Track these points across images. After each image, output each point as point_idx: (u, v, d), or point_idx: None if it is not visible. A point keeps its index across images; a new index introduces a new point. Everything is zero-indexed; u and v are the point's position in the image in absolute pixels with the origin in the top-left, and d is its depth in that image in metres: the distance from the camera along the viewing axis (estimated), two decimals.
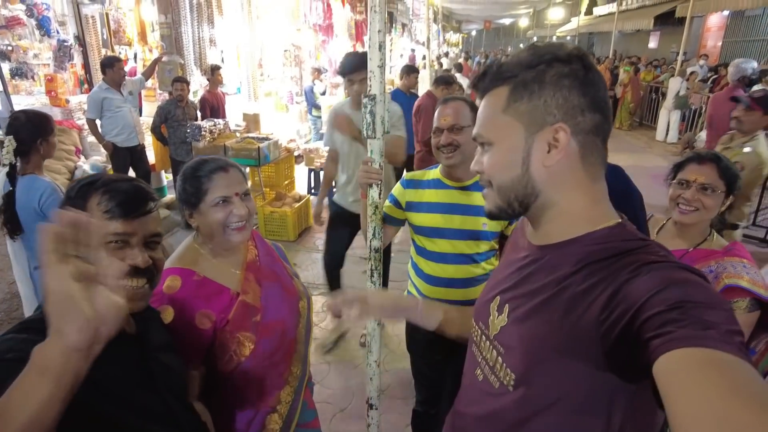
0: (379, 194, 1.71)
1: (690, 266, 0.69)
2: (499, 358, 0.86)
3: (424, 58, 11.61)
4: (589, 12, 23.65)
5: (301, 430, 1.58)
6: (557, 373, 0.75)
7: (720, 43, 15.24)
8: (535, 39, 34.06)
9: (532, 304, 0.81)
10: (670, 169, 1.79)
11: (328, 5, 9.57)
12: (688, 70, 10.21)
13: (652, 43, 18.18)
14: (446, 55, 20.37)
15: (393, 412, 2.72)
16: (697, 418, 0.50)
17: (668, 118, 10.47)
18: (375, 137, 1.66)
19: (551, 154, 0.78)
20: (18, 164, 2.30)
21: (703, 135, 5.19)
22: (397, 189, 1.97)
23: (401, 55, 18.26)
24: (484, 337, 0.94)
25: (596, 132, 0.79)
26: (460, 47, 33.81)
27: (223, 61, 7.04)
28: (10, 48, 5.42)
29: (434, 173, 1.92)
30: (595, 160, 0.80)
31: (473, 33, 46.88)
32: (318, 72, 8.01)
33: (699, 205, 1.63)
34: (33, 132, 2.31)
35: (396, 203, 1.95)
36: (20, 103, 5.35)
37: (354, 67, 2.83)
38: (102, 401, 0.89)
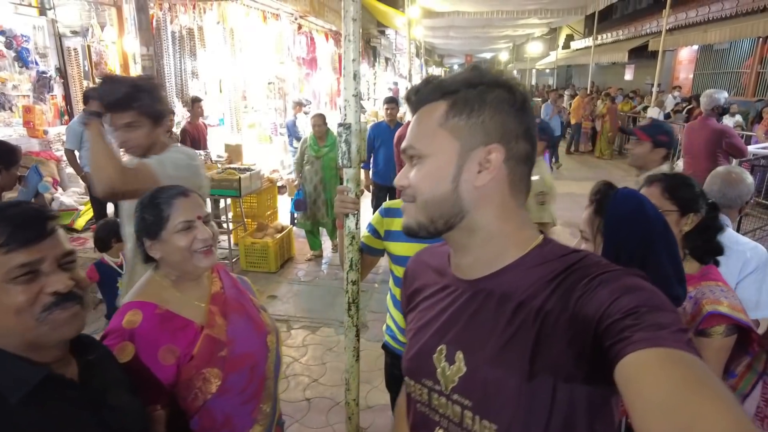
0: (356, 224, 1.68)
1: (633, 270, 0.71)
2: (467, 411, 0.79)
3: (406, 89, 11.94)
4: (566, 46, 24.43)
5: None
6: (542, 406, 0.72)
7: (692, 75, 15.77)
8: (515, 72, 35.08)
9: (495, 343, 0.77)
10: None
11: (312, 39, 9.74)
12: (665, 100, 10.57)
13: (628, 75, 18.77)
14: None
15: None
16: (655, 410, 0.53)
17: None
18: (350, 166, 1.64)
19: (482, 174, 0.77)
20: None
21: (680, 163, 5.29)
22: (375, 218, 1.93)
23: (389, 89, 18.58)
24: (435, 394, 0.85)
25: (525, 161, 0.80)
26: None
27: (206, 93, 7.05)
28: None
29: None
30: (522, 187, 0.81)
31: (455, 67, 48.09)
32: (300, 105, 8.06)
33: None
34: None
35: (374, 233, 1.91)
36: None
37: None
38: None
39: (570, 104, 13.92)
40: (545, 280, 0.75)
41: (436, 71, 34.39)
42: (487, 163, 0.77)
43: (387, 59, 20.57)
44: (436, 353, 0.85)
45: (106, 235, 2.91)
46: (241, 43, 7.24)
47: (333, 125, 4.09)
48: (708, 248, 1.60)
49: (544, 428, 0.73)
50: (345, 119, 1.60)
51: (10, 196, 4.49)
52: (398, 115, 5.61)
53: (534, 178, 3.20)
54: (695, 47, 14.98)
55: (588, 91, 13.90)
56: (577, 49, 22.24)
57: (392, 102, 5.50)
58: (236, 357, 1.34)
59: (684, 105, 11.70)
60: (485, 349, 0.78)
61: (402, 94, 17.33)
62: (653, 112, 10.26)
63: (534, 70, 30.62)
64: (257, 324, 1.47)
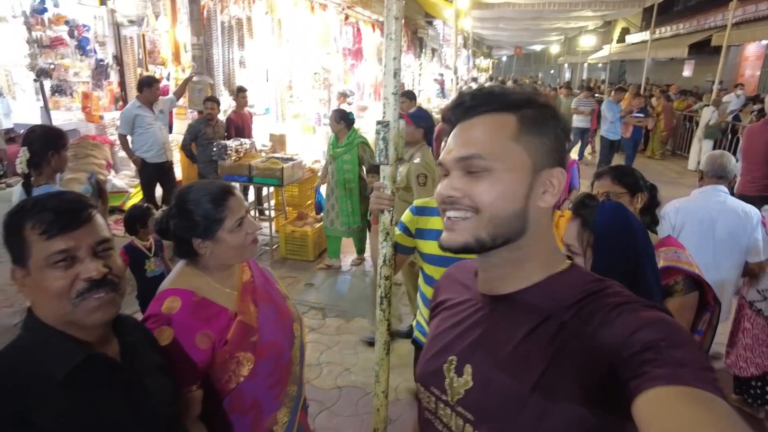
0: (391, 220, 1.68)
1: (653, 303, 0.70)
2: (468, 425, 0.79)
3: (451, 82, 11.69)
4: (621, 40, 23.48)
5: None
6: (541, 425, 0.71)
7: (758, 73, 14.86)
8: (566, 66, 33.99)
9: (502, 363, 0.76)
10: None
11: (358, 30, 9.76)
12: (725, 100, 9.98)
13: (687, 72, 17.90)
14: (475, 80, 20.45)
15: None
16: None
17: (699, 146, 10.20)
18: (387, 163, 1.64)
19: (546, 196, 0.78)
20: (32, 176, 2.38)
21: (738, 165, 5.00)
22: (406, 216, 1.93)
23: (435, 80, 18.42)
24: (441, 404, 0.85)
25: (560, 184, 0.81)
26: (490, 72, 33.93)
27: (252, 82, 7.20)
28: (52, 66, 5.66)
29: None
30: (553, 209, 0.82)
31: (503, 59, 47.14)
32: (344, 96, 8.11)
33: None
34: (46, 145, 2.40)
35: (406, 231, 1.91)
36: (58, 118, 5.57)
37: None
38: (83, 428, 0.88)
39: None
40: (567, 303, 0.74)
41: (484, 63, 33.84)
42: (550, 186, 0.78)
43: (433, 50, 20.37)
44: (447, 363, 0.85)
45: (132, 220, 3.07)
46: (289, 34, 7.34)
47: (377, 117, 4.03)
48: (653, 220, 1.98)
49: None
50: (384, 116, 1.60)
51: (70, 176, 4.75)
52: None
53: (416, 161, 3.36)
54: (764, 42, 14.08)
55: (642, 89, 13.29)
56: (632, 44, 21.32)
57: (403, 95, 5.18)
58: (265, 342, 1.39)
59: (753, 106, 11.00)
60: (496, 362, 0.78)
61: (447, 85, 17.20)
62: (707, 113, 9.72)
63: (586, 65, 29.61)
64: (283, 312, 1.53)
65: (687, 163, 10.77)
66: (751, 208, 2.61)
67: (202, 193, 1.35)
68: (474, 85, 17.24)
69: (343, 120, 4.53)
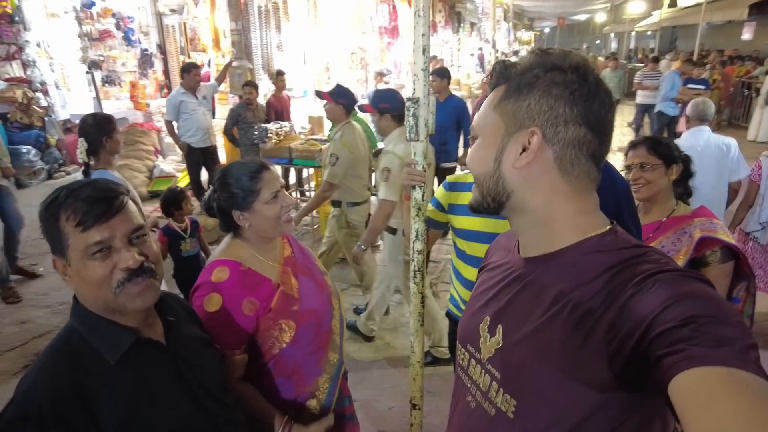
0: (422, 196, 1.71)
1: (695, 272, 0.66)
2: (494, 383, 0.81)
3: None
4: (673, 4, 22.11)
5: (337, 414, 1.63)
6: (564, 397, 0.71)
7: None
8: (612, 35, 32.42)
9: (530, 326, 0.77)
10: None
11: (394, 7, 9.65)
12: None
13: (746, 35, 16.66)
14: (516, 53, 19.87)
15: (440, 415, 2.69)
16: None
17: (761, 116, 9.58)
18: (418, 140, 1.67)
19: (521, 156, 0.78)
20: (91, 162, 2.57)
21: None
22: (439, 192, 1.96)
23: (472, 54, 18.05)
24: (474, 361, 0.88)
25: (579, 146, 0.76)
26: (532, 45, 32.84)
27: (290, 65, 7.28)
28: (101, 58, 5.93)
29: None
30: (579, 173, 0.78)
31: (546, 30, 45.42)
32: (381, 75, 8.08)
33: (643, 181, 1.89)
34: (99, 132, 2.58)
35: (438, 206, 1.94)
36: (109, 107, 5.86)
37: None
38: (134, 415, 0.94)
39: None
40: (595, 271, 0.72)
41: (526, 35, 32.76)
42: (528, 146, 0.77)
43: (472, 24, 19.90)
44: (482, 323, 0.87)
45: (167, 203, 3.25)
46: (324, 15, 7.35)
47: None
48: (686, 192, 1.99)
49: (555, 420, 0.72)
50: (414, 93, 1.63)
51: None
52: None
53: (335, 138, 3.19)
54: None
55: (694, 55, 12.51)
56: (684, 7, 20.04)
57: (434, 74, 4.87)
58: (305, 312, 1.48)
59: None
60: (520, 329, 0.79)
61: (487, 59, 16.79)
62: None
63: (633, 33, 28.13)
64: (322, 285, 1.61)
65: (746, 134, 10.15)
66: (730, 140, 3.29)
67: (240, 168, 1.45)
68: (514, 60, 16.73)
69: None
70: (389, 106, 2.97)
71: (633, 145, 2.00)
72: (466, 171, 1.99)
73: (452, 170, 4.92)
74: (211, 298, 1.34)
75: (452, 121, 4.89)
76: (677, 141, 3.05)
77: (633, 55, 22.26)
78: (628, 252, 0.72)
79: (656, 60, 10.36)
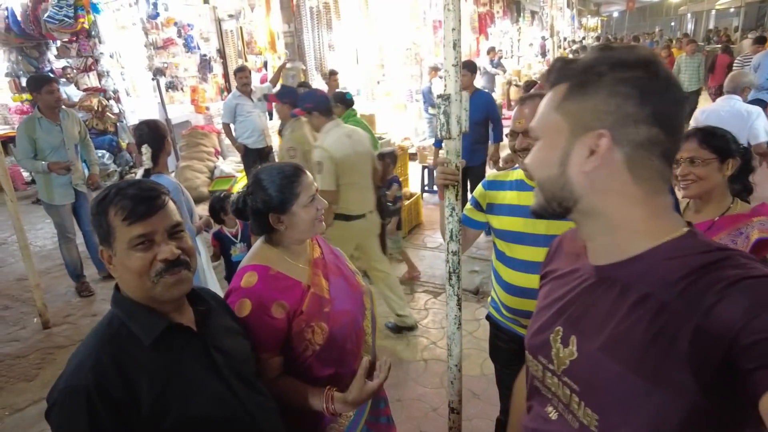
0: (456, 196, 1.66)
1: None
2: (574, 396, 0.79)
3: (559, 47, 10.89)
4: None
5: (372, 417, 1.62)
6: (650, 408, 0.68)
7: None
8: (689, 15, 30.22)
9: (607, 337, 0.74)
10: None
11: None
12: None
13: None
14: (582, 41, 19.00)
15: (483, 419, 2.62)
16: None
17: None
18: (450, 138, 1.62)
19: (589, 160, 0.74)
20: (151, 167, 2.70)
21: None
22: (478, 191, 1.88)
23: (530, 44, 17.46)
24: (549, 373, 0.86)
25: (650, 147, 0.72)
26: (599, 32, 31.27)
27: (342, 65, 7.35)
28: (165, 65, 6.26)
29: (517, 174, 1.79)
30: (651, 174, 0.74)
31: (614, 15, 43.08)
32: (435, 70, 7.97)
33: (693, 177, 1.71)
34: (157, 137, 2.71)
35: (476, 205, 1.86)
36: (173, 112, 6.19)
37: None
38: (167, 392, 1.01)
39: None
40: (675, 276, 0.68)
41: (592, 21, 31.24)
42: (596, 148, 0.74)
43: (533, 13, 19.23)
44: (553, 333, 0.85)
45: (213, 210, 3.33)
46: (377, 11, 7.36)
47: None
48: (745, 188, 1.80)
49: (644, 430, 0.69)
50: (445, 90, 1.58)
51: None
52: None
53: (285, 135, 3.27)
54: None
55: None
56: None
57: (464, 68, 4.71)
58: (337, 313, 1.47)
59: None
60: (598, 339, 0.75)
61: (549, 47, 16.15)
62: None
63: (713, 12, 26.09)
64: (353, 285, 1.60)
65: None
66: (754, 108, 3.66)
67: (277, 172, 1.45)
68: (577, 48, 16.04)
69: (340, 102, 4.29)
70: (313, 105, 3.19)
71: (685, 136, 1.81)
72: (512, 168, 1.89)
73: (482, 169, 4.72)
74: (242, 304, 1.36)
75: (482, 118, 4.65)
76: (711, 106, 3.82)
77: (712, 36, 20.51)
78: (710, 256, 0.68)
79: (762, 41, 8.33)
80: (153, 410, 0.98)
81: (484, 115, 4.66)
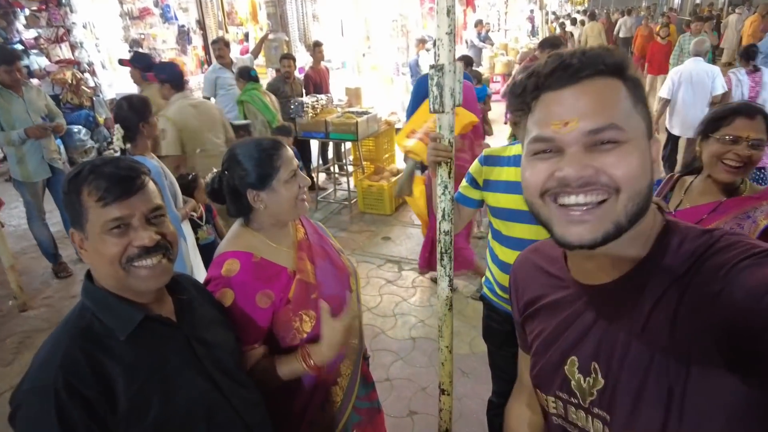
0: (449, 173, 1.58)
1: None
2: (606, 427, 0.73)
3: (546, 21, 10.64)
4: None
5: (360, 401, 1.58)
6: (690, 417, 0.63)
7: None
8: None
9: (631, 359, 0.69)
10: (706, 122, 1.63)
11: None
12: None
13: None
14: (568, 16, 18.75)
15: (473, 398, 2.61)
16: None
17: None
18: (443, 111, 1.53)
19: (655, 166, 0.70)
20: (128, 149, 2.49)
21: None
22: (474, 166, 1.80)
23: (527, 18, 17.14)
24: (572, 407, 0.79)
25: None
26: (585, 6, 30.98)
27: (327, 36, 7.14)
28: (142, 36, 6.00)
29: (516, 149, 1.71)
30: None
31: None
32: (422, 42, 7.78)
33: (748, 161, 1.53)
34: (136, 117, 2.48)
35: (473, 182, 1.78)
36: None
37: None
38: (146, 388, 0.94)
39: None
40: (676, 275, 0.66)
41: None
42: (657, 155, 0.71)
43: None
44: (567, 365, 0.79)
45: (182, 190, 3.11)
46: None
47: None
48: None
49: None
50: (437, 60, 1.48)
51: None
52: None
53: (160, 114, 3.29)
54: None
55: None
56: None
57: (466, 63, 4.56)
58: (325, 298, 1.39)
59: None
60: (623, 358, 0.70)
61: (538, 21, 15.89)
62: None
63: None
64: (340, 267, 1.52)
65: None
66: (714, 68, 5.01)
67: (254, 145, 1.35)
68: (568, 23, 15.81)
69: (243, 77, 4.78)
70: (166, 76, 3.46)
71: (750, 114, 1.54)
72: (510, 144, 1.80)
73: None
74: (223, 293, 1.27)
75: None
76: (681, 67, 5.13)
77: (698, 11, 20.34)
78: (701, 242, 0.67)
79: None
80: (131, 408, 0.91)
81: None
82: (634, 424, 0.69)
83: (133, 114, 2.49)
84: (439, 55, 1.49)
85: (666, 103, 5.14)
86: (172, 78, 3.45)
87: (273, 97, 4.95)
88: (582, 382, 0.76)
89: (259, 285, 1.30)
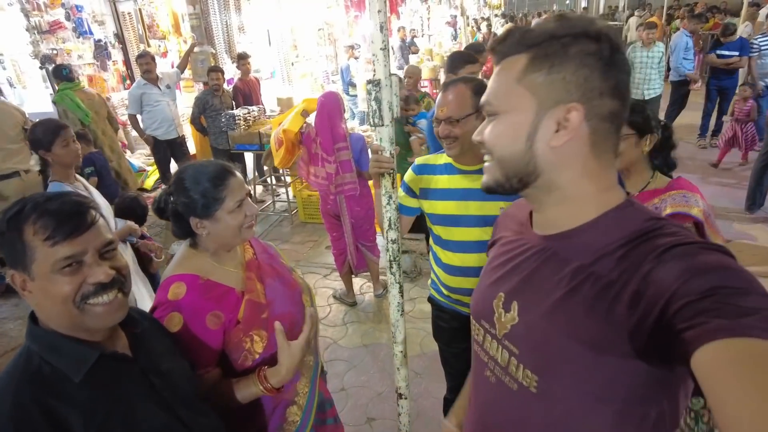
0: (392, 183, 1.65)
1: (715, 244, 0.65)
2: (513, 359, 0.81)
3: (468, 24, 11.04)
4: None
5: (318, 419, 1.60)
6: (585, 371, 0.71)
7: None
8: None
9: (549, 302, 0.76)
10: None
11: None
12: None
13: None
14: (486, 20, 19.56)
15: (428, 398, 2.70)
16: (740, 418, 0.49)
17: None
18: (382, 124, 1.59)
19: (559, 134, 0.73)
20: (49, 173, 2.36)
21: None
22: (409, 175, 1.88)
23: (447, 23, 17.68)
24: (489, 336, 0.88)
25: (612, 119, 0.74)
26: (502, 9, 32.42)
27: (254, 47, 7.04)
28: (55, 52, 5.64)
29: (445, 158, 1.81)
30: (607, 147, 0.76)
31: None
32: (352, 49, 7.87)
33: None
34: (40, 144, 2.32)
35: (409, 191, 1.86)
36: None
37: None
38: (108, 423, 0.90)
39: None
40: (614, 245, 0.71)
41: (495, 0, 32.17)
42: (565, 122, 0.73)
43: None
44: (496, 299, 0.87)
45: (122, 213, 2.88)
46: None
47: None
48: (666, 163, 1.84)
49: (582, 393, 0.72)
50: (374, 75, 1.54)
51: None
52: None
53: None
54: None
55: (665, 9, 12.31)
56: None
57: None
58: (276, 317, 1.39)
59: None
60: (539, 306, 0.77)
61: (459, 25, 16.44)
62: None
63: None
64: (290, 285, 1.53)
65: None
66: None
67: (201, 171, 1.32)
68: (484, 26, 16.51)
69: (57, 77, 4.78)
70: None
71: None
72: (440, 151, 1.89)
73: None
74: (171, 318, 1.25)
75: None
76: None
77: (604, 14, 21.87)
78: (645, 225, 0.71)
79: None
80: None
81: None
82: (538, 362, 0.77)
83: (39, 141, 2.33)
84: (375, 71, 1.55)
85: None
86: None
87: (95, 93, 4.98)
88: (502, 316, 0.85)
89: (210, 305, 1.29)
